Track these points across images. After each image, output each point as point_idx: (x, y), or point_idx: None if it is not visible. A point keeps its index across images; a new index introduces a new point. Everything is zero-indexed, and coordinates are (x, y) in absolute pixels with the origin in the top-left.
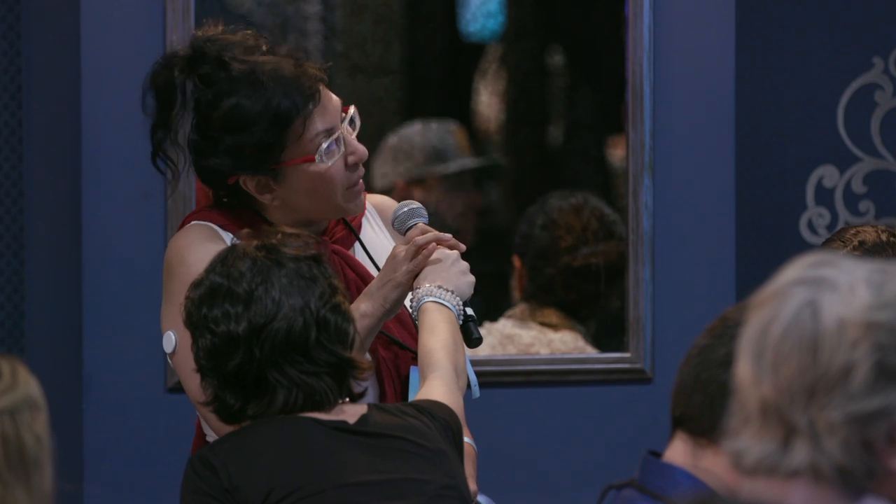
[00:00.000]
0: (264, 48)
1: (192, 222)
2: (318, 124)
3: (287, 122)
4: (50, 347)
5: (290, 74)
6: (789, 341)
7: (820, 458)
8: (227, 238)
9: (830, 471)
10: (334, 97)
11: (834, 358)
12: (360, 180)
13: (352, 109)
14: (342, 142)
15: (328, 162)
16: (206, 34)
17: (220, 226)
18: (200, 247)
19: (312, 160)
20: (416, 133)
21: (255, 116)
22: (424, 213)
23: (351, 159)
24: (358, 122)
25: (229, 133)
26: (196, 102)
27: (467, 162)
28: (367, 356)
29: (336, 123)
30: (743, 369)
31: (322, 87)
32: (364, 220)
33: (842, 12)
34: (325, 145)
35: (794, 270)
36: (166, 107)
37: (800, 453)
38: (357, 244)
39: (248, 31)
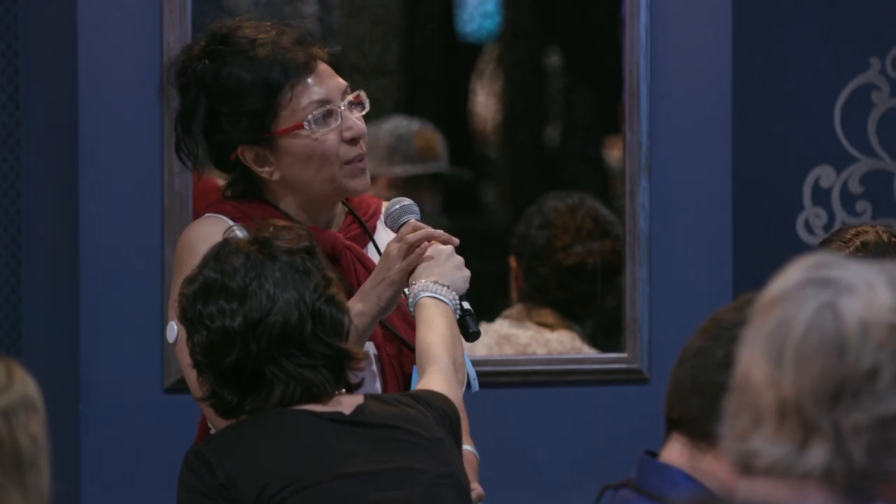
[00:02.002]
0: (273, 31)
1: (205, 214)
2: (311, 94)
3: (277, 88)
4: (47, 348)
5: (287, 45)
6: (812, 342)
7: (837, 460)
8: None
9: (844, 473)
10: (339, 78)
11: (860, 360)
12: (363, 159)
13: (361, 94)
14: (338, 116)
15: (319, 131)
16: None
17: (232, 218)
18: (210, 238)
19: (302, 127)
20: (385, 129)
21: (249, 84)
22: (416, 209)
23: (347, 134)
24: (367, 106)
25: (227, 102)
26: (203, 81)
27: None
28: (374, 349)
29: (332, 97)
30: (756, 370)
31: (321, 64)
32: (378, 223)
33: (839, 13)
34: (315, 113)
35: (799, 272)
36: (184, 96)
37: (817, 455)
38: (370, 245)
39: (267, 23)
